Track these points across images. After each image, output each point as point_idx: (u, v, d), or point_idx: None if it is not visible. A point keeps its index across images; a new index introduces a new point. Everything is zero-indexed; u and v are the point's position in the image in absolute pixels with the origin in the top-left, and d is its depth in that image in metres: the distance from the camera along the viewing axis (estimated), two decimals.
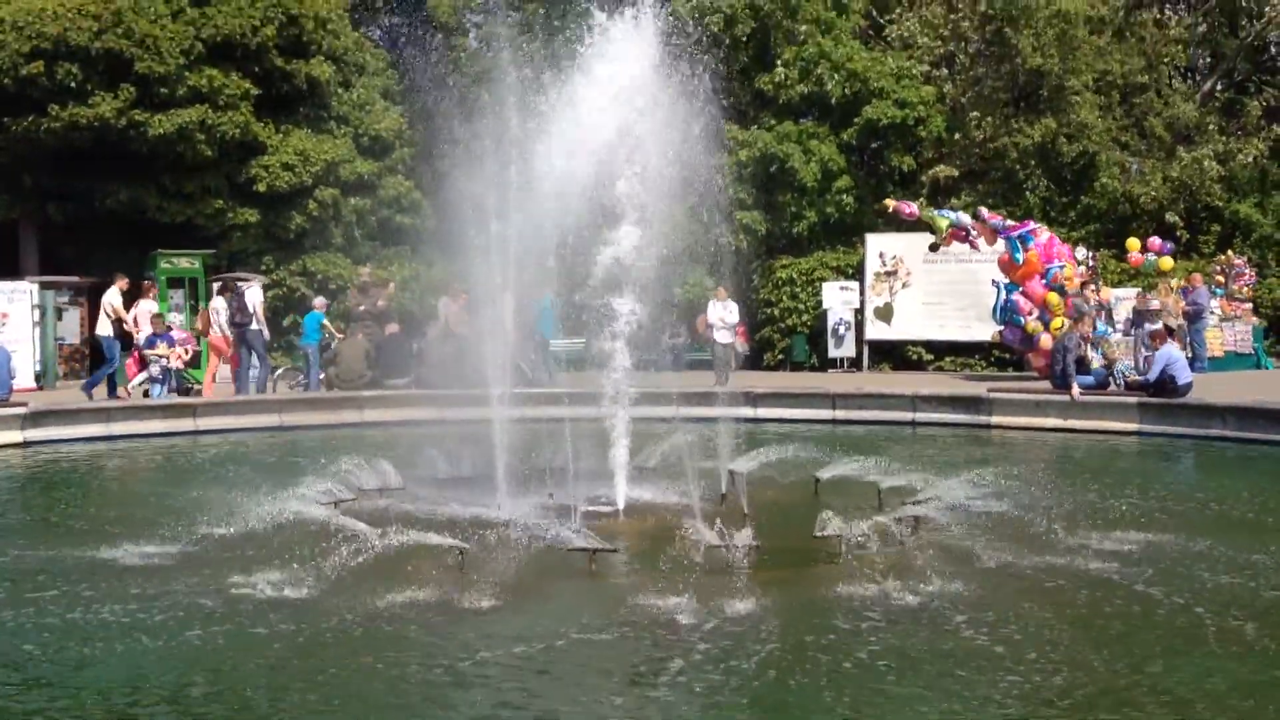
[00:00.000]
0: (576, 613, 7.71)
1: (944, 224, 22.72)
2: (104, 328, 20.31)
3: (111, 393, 20.12)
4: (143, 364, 20.62)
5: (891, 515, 9.90)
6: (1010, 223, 22.76)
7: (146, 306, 21.06)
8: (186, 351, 21.33)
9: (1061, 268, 21.67)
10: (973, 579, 8.33)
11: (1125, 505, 11.26)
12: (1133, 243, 25.95)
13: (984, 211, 22.84)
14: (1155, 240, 26.14)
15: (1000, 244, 22.16)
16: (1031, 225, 22.55)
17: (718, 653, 6.76)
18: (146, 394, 20.18)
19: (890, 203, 24.04)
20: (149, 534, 9.99)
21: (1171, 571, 8.60)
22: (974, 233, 22.60)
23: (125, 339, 20.96)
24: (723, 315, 22.75)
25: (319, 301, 22.74)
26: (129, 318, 20.78)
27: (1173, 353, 17.27)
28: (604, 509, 10.96)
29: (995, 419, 18.04)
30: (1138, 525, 10.16)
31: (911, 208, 23.57)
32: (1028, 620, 7.38)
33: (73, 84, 23.96)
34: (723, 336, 22.76)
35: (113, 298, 20.46)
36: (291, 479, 11.91)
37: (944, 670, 6.48)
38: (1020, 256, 21.83)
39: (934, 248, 23.43)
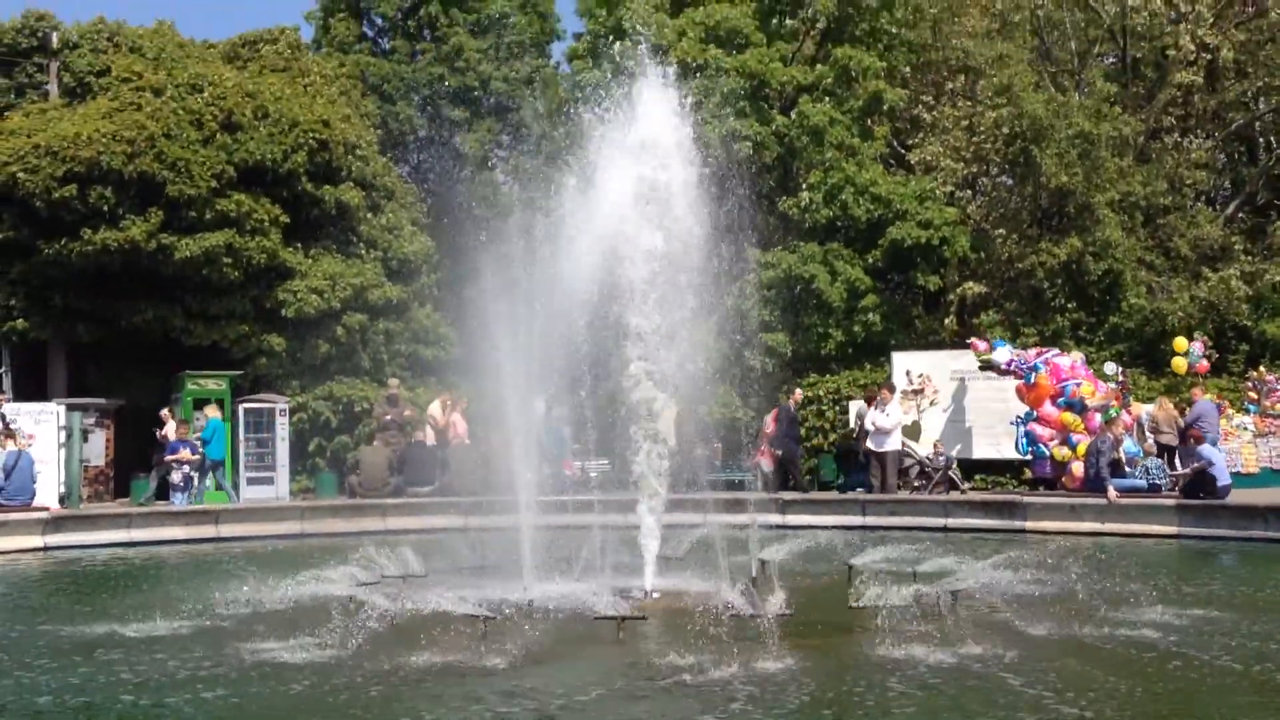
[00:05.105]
0: (606, 674, 7.43)
1: (1001, 359, 22.78)
2: (430, 438, 22.61)
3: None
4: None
5: (930, 587, 9.59)
6: (1024, 352, 22.77)
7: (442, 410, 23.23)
8: None
9: (1079, 384, 21.43)
10: (1012, 645, 8.06)
11: (1169, 590, 10.93)
12: (1180, 342, 25.95)
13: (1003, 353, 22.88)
14: (1199, 345, 26.17)
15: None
16: (1046, 355, 22.43)
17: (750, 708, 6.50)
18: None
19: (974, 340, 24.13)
20: (169, 615, 9.82)
21: (1214, 639, 8.31)
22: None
23: None
24: (880, 422, 21.44)
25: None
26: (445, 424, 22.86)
27: (1212, 453, 16.95)
28: (634, 594, 10.69)
29: (1030, 524, 17.68)
30: (1182, 605, 9.84)
31: (984, 344, 23.58)
32: (1070, 674, 7.12)
33: (105, 207, 24.27)
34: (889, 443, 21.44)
35: (434, 410, 22.94)
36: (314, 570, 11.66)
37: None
38: (1031, 379, 21.73)
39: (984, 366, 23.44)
